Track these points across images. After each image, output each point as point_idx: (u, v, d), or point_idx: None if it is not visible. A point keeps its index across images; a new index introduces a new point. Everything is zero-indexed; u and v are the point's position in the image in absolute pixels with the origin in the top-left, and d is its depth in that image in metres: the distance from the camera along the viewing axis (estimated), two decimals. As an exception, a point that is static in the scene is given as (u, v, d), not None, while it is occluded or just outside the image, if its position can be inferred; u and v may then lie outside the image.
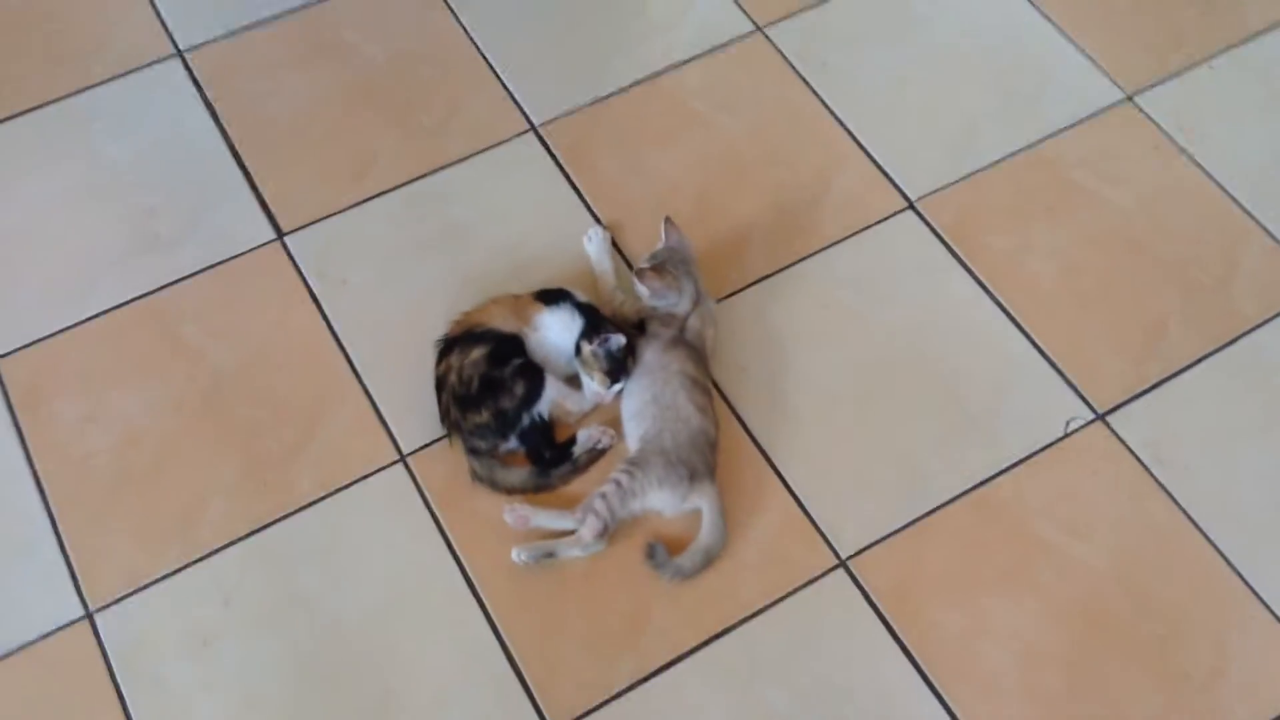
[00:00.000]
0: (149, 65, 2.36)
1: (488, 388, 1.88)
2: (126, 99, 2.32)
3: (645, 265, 1.98)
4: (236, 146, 2.26)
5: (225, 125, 2.28)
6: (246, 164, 2.24)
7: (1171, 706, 1.74)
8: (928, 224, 2.17)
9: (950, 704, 1.74)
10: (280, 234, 2.16)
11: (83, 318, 2.06)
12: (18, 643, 1.78)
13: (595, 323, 1.93)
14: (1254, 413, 2.00)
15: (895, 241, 2.16)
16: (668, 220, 2.04)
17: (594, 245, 2.11)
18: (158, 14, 2.43)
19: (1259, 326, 2.06)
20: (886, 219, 2.18)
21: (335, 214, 2.19)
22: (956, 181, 2.23)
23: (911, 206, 2.20)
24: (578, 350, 1.92)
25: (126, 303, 2.08)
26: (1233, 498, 1.91)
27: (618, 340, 1.88)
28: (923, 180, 2.23)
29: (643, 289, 1.97)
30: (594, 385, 1.92)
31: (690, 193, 2.21)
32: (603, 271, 2.08)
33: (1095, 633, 1.79)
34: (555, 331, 1.95)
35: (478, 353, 1.90)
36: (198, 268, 2.12)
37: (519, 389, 1.89)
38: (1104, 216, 2.19)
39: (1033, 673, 1.76)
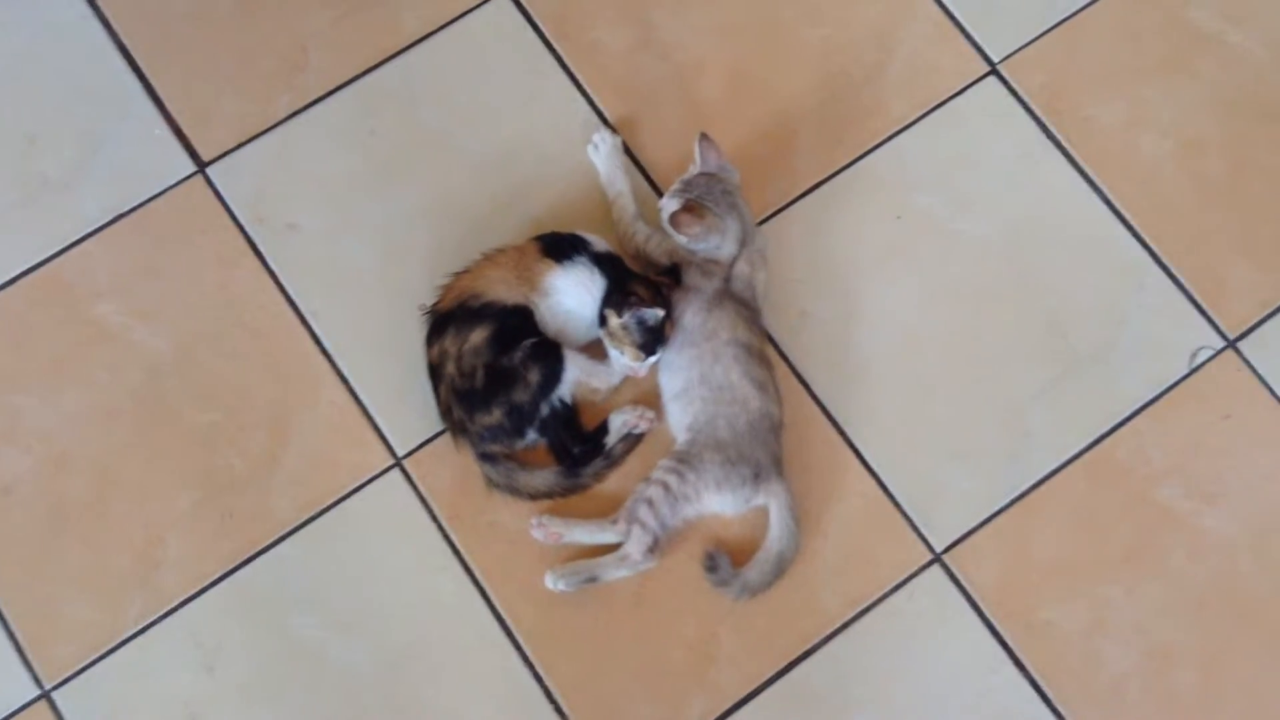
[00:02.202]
0: (-10, -70, 1.80)
1: (496, 380, 1.51)
2: (-31, -18, 1.78)
3: (675, 204, 1.56)
4: (126, 43, 1.74)
5: (108, 15, 1.75)
6: (143, 69, 1.73)
7: (1322, 703, 1.52)
8: (1015, 95, 1.74)
9: (1070, 720, 1.51)
10: (201, 165, 1.70)
11: (-35, 302, 1.64)
12: (-35, 742, 1.49)
13: (620, 281, 1.54)
14: None
15: (976, 121, 1.73)
16: (703, 137, 1.60)
17: (601, 156, 1.67)
18: None
19: None
20: (963, 90, 1.74)
21: (266, 131, 1.72)
22: (1048, 31, 1.77)
23: (994, 70, 1.75)
24: (602, 320, 1.54)
25: (18, 276, 1.66)
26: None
27: (654, 314, 1.50)
28: (1006, 34, 1.77)
29: (677, 235, 1.56)
30: (624, 360, 1.55)
31: (719, 71, 1.74)
32: (617, 194, 1.65)
33: (1231, 620, 1.54)
34: (571, 296, 1.56)
35: (478, 336, 1.52)
36: (104, 218, 1.68)
37: (534, 376, 1.52)
38: (1230, 71, 1.75)
39: (1161, 674, 1.52)
